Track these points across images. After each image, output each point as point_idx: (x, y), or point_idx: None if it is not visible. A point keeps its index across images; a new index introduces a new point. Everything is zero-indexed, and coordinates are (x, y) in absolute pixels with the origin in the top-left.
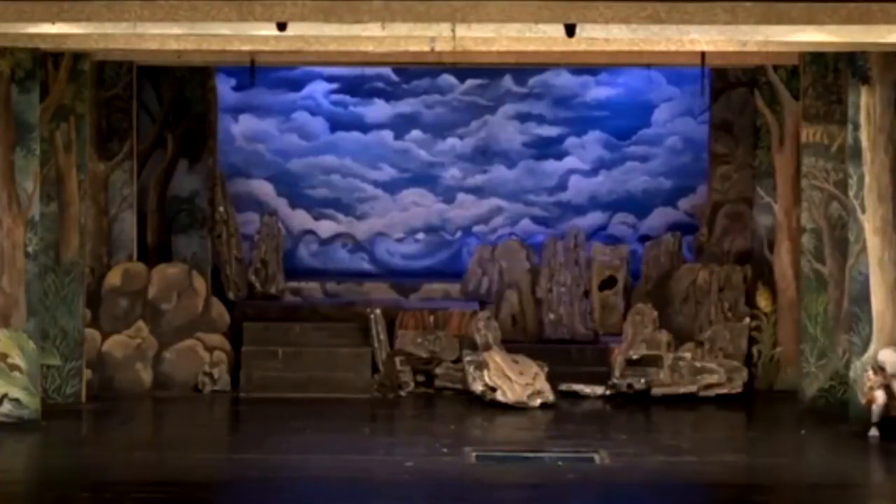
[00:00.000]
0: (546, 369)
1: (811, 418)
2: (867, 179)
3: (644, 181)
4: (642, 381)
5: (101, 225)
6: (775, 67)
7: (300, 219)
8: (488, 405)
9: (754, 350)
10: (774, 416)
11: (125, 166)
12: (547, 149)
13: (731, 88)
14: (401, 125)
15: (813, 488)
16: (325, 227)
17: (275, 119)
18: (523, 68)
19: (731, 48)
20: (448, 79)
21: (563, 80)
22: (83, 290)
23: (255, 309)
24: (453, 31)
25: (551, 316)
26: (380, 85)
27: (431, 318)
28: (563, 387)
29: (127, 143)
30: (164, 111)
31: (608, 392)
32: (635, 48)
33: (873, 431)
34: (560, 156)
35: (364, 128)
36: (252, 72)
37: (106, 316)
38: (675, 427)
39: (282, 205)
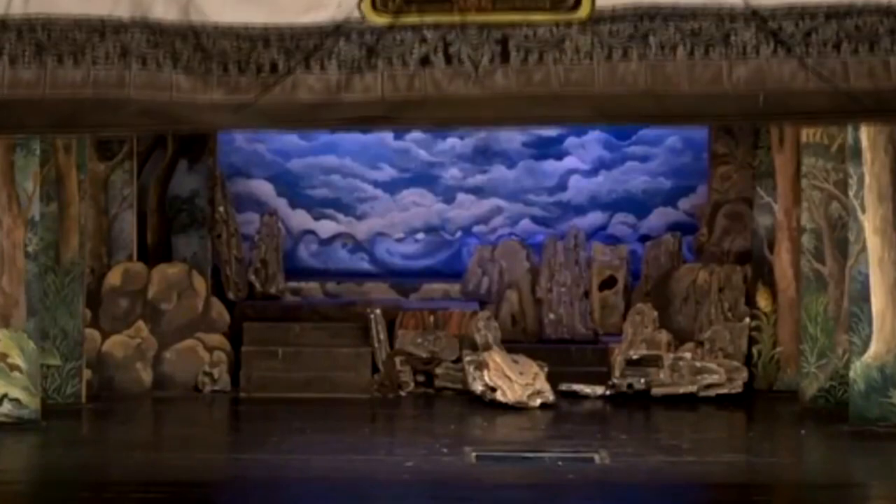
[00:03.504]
0: (546, 369)
1: (811, 418)
2: (867, 179)
3: (644, 181)
4: (642, 381)
5: (101, 225)
6: None
7: (300, 219)
8: (488, 405)
9: (754, 350)
10: (774, 416)
11: (125, 166)
12: (547, 149)
13: None
14: None
15: (813, 488)
16: (325, 227)
17: None
18: None
19: None
20: None
21: None
22: (83, 290)
23: (255, 309)
24: None
25: (551, 316)
26: None
27: (431, 318)
28: (563, 387)
29: (127, 143)
30: None
31: (608, 392)
32: None
33: None
34: (560, 156)
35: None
36: None
37: (106, 316)
38: (675, 427)
39: (282, 205)
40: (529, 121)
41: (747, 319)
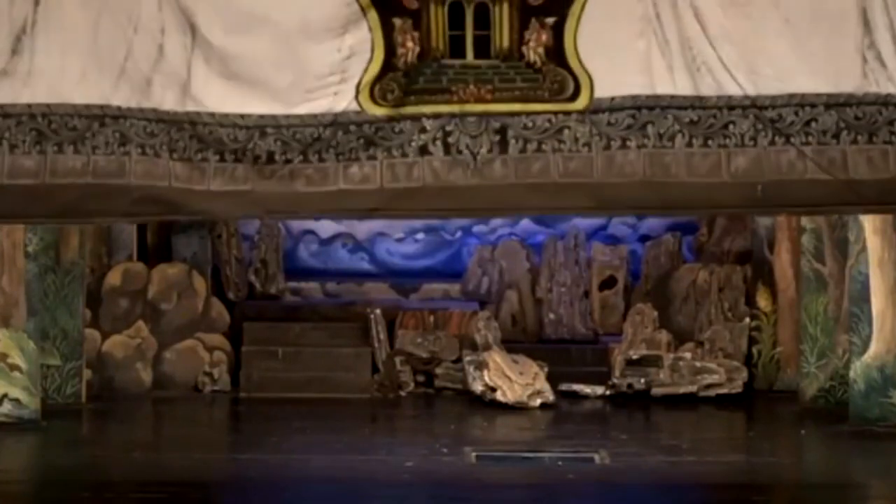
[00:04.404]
0: (546, 369)
1: (811, 418)
2: None
3: None
4: (642, 381)
5: (101, 225)
6: None
7: None
8: (488, 405)
9: (754, 350)
10: (774, 416)
11: None
12: None
13: None
14: None
15: (813, 488)
16: (325, 227)
17: None
18: None
19: None
20: None
21: None
22: (83, 290)
23: (255, 309)
24: None
25: (551, 316)
26: None
27: (431, 318)
28: (563, 387)
29: None
30: None
31: (608, 392)
32: None
33: None
34: None
35: None
36: None
37: (106, 316)
38: (675, 427)
39: None
40: (528, 210)
41: (747, 319)
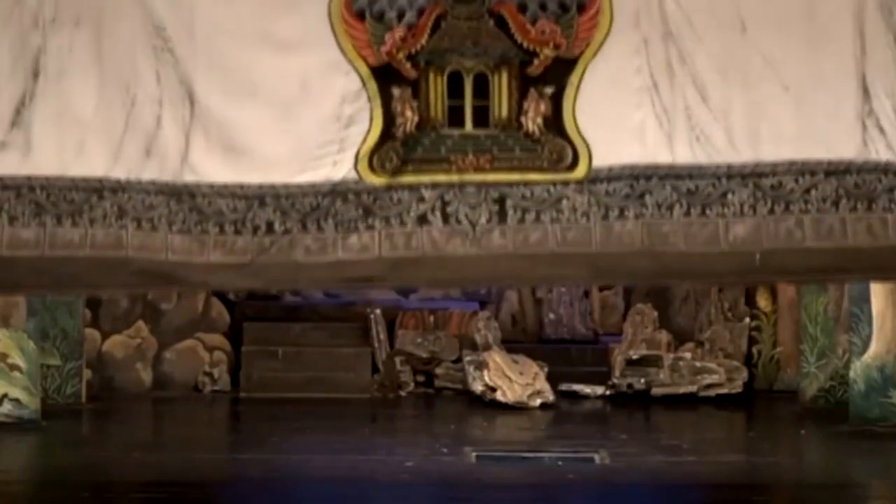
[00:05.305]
0: (546, 369)
1: (811, 418)
2: None
3: None
4: (642, 381)
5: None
6: None
7: None
8: (488, 405)
9: (754, 350)
10: (774, 416)
11: None
12: None
13: None
14: None
15: (813, 488)
16: None
17: None
18: None
19: None
20: None
21: None
22: None
23: (255, 309)
24: None
25: (551, 316)
26: None
27: (431, 318)
28: (563, 387)
29: None
30: None
31: (608, 392)
32: None
33: None
34: None
35: None
36: None
37: (106, 316)
38: (675, 427)
39: None
40: (526, 280)
41: (747, 319)
